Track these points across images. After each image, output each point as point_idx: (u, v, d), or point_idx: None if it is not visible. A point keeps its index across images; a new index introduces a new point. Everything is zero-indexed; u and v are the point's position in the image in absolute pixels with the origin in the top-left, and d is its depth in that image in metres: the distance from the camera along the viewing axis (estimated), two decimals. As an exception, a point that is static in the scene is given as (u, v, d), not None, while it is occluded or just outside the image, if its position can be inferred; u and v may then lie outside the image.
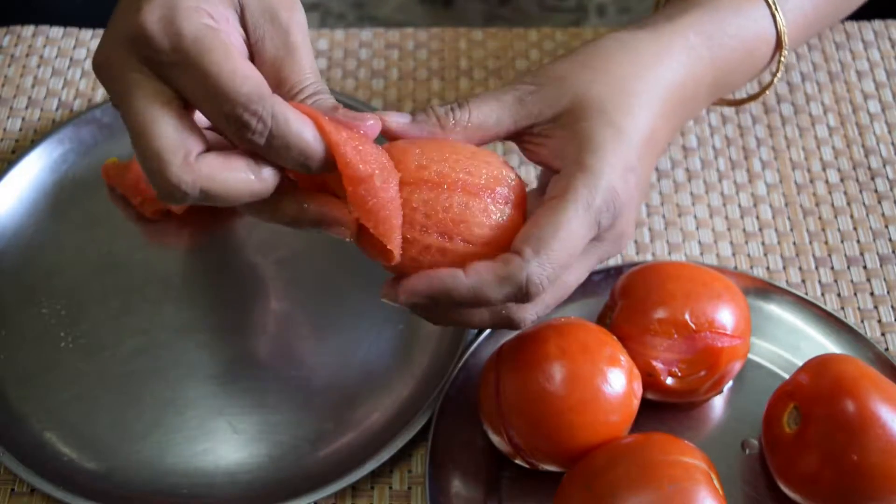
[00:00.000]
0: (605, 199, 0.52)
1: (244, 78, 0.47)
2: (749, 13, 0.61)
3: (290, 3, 0.52)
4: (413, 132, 0.53)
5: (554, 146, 0.54)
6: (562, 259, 0.51)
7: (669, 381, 0.59)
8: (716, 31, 0.60)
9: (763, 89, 0.66)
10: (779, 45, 0.63)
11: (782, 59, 0.63)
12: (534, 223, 0.51)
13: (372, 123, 0.50)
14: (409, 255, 0.51)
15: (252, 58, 0.51)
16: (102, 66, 0.50)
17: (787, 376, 0.61)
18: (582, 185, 0.52)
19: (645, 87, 0.56)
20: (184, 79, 0.48)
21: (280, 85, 0.51)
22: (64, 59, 0.79)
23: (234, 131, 0.47)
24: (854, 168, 0.75)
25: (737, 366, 0.60)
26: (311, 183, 0.52)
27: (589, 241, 0.53)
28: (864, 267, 0.70)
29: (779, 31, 0.62)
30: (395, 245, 0.50)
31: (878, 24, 0.82)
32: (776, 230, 0.71)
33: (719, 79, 0.61)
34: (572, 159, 0.53)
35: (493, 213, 0.52)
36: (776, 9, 0.62)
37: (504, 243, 0.52)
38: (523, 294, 0.50)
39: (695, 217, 0.72)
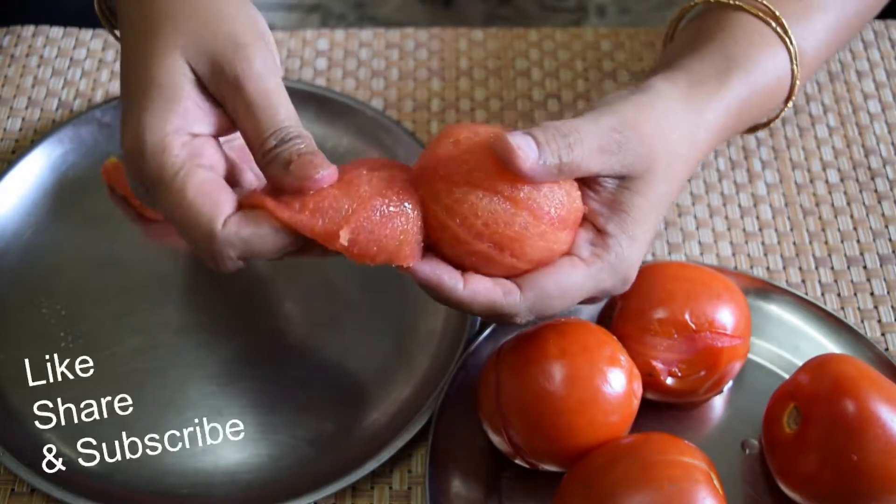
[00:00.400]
0: (615, 282, 0.55)
1: (198, 216, 0.50)
2: (774, 70, 0.62)
3: (234, 50, 0.53)
4: (540, 175, 0.51)
5: (604, 205, 0.55)
6: (549, 313, 0.54)
7: (669, 381, 0.59)
8: (750, 94, 0.61)
9: (768, 122, 0.66)
10: (790, 93, 0.64)
11: (789, 105, 0.64)
12: (550, 275, 0.53)
13: (326, 174, 0.51)
14: (453, 252, 0.52)
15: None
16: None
17: (787, 376, 0.61)
18: (608, 265, 0.54)
19: (693, 166, 0.59)
20: (159, 208, 0.52)
21: (249, 144, 0.53)
22: (64, 59, 0.79)
23: (210, 264, 0.51)
24: (854, 168, 0.75)
25: (737, 366, 0.60)
26: None
27: None
28: (864, 267, 0.70)
29: (793, 84, 0.63)
30: (404, 258, 0.51)
31: (878, 24, 0.82)
32: (776, 230, 0.71)
33: (737, 130, 0.63)
34: (614, 235, 0.54)
35: (548, 237, 0.52)
36: (796, 63, 0.62)
37: (546, 263, 0.53)
38: (503, 321, 0.54)
39: (695, 217, 0.72)
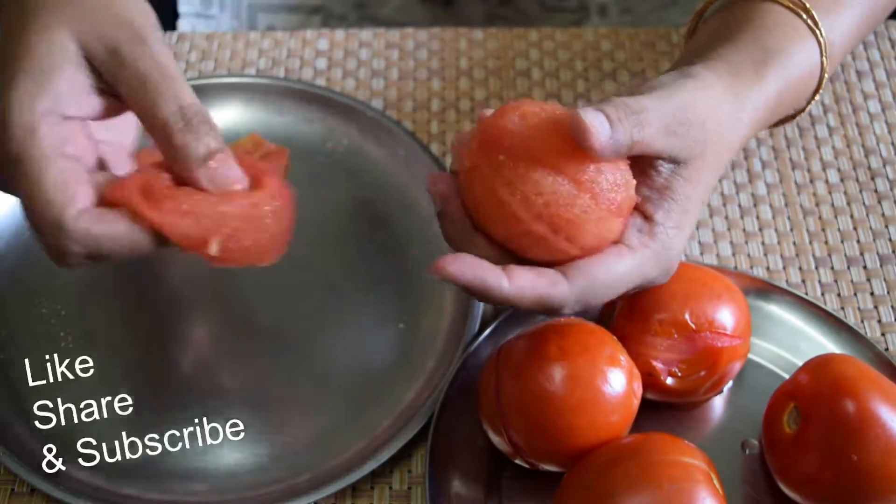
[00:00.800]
0: (659, 272, 0.54)
1: (49, 205, 0.47)
2: (806, 63, 0.62)
3: (131, 33, 0.51)
4: (610, 153, 0.50)
5: (655, 190, 0.54)
6: (596, 303, 0.53)
7: (669, 381, 0.59)
8: (786, 86, 0.60)
9: (794, 115, 0.66)
10: (818, 86, 0.63)
11: (816, 97, 0.64)
12: (599, 262, 0.52)
13: (228, 174, 0.49)
14: (506, 230, 0.51)
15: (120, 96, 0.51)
16: None
17: (787, 376, 0.61)
18: (654, 254, 0.53)
19: (731, 158, 0.59)
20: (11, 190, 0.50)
21: (146, 120, 0.50)
22: (64, 59, 0.79)
23: (52, 258, 0.49)
24: (854, 168, 0.75)
25: (737, 366, 0.60)
26: None
27: None
28: (864, 267, 0.70)
29: (821, 76, 0.63)
30: (267, 260, 0.50)
31: (878, 24, 0.82)
32: (776, 230, 0.71)
33: (768, 123, 0.63)
34: (661, 223, 0.54)
35: (603, 224, 0.51)
36: (825, 56, 0.62)
37: (595, 251, 0.52)
38: (550, 313, 0.52)
39: (695, 217, 0.72)
